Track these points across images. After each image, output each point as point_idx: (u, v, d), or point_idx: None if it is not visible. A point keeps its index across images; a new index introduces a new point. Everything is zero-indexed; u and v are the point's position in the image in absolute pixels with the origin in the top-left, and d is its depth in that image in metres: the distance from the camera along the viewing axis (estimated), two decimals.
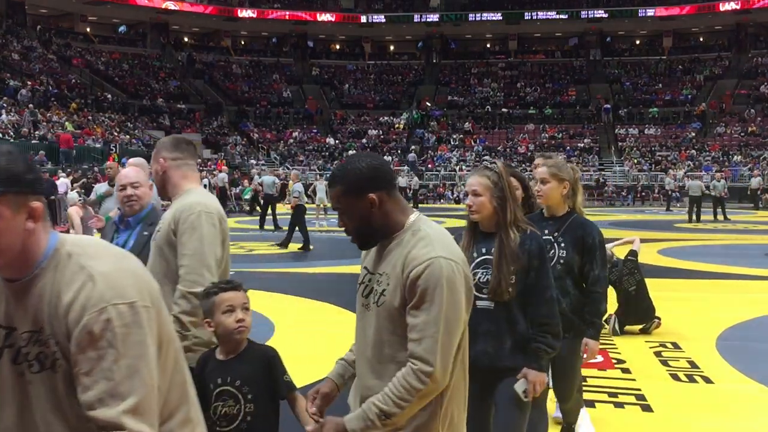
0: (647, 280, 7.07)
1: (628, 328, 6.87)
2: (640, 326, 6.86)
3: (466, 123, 43.41)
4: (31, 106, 29.97)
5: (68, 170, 21.92)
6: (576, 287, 3.49)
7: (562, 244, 3.48)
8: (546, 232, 3.44)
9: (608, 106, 43.47)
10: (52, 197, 18.64)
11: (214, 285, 2.55)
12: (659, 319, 6.91)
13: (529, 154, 39.81)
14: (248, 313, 2.52)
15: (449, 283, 1.95)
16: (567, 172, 3.54)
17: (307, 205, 15.34)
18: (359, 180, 2.04)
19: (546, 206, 3.58)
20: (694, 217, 21.92)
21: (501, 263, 2.74)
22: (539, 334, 2.77)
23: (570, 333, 3.37)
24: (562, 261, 3.47)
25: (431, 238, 2.02)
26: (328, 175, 27.02)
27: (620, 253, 7.34)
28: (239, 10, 48.79)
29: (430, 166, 39.39)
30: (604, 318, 5.63)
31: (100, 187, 8.54)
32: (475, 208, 2.82)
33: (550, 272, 2.84)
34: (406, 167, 38.64)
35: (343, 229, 2.13)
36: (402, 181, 31.19)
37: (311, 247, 13.93)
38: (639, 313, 6.87)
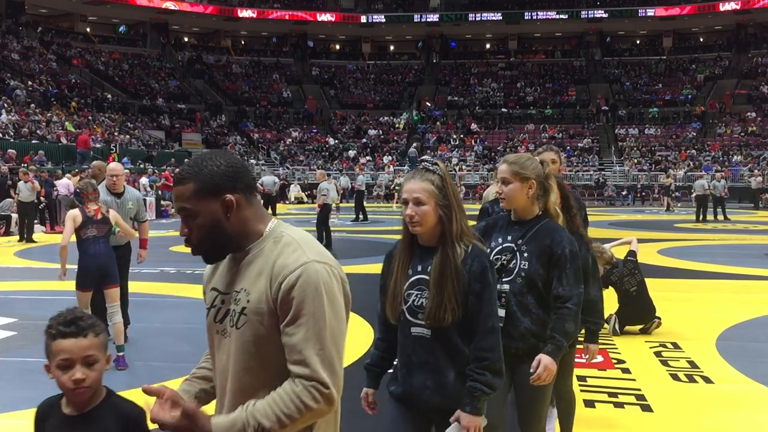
0: (647, 280, 7.07)
1: (628, 328, 6.87)
2: (641, 326, 6.86)
3: (474, 124, 43.39)
4: (33, 106, 29.98)
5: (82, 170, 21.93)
6: (540, 306, 2.94)
7: (525, 254, 2.95)
8: (509, 238, 3.00)
9: (605, 108, 43.50)
10: (54, 197, 18.66)
11: (53, 321, 1.86)
12: (659, 319, 6.92)
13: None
14: (94, 369, 1.84)
15: (328, 290, 1.71)
16: (532, 169, 3.01)
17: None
18: (215, 177, 1.75)
19: (512, 210, 3.07)
20: (701, 216, 22.14)
21: (443, 283, 2.34)
22: (476, 370, 2.35)
23: (531, 359, 2.90)
24: (523, 274, 2.93)
25: (298, 243, 1.76)
26: (335, 176, 26.67)
27: (619, 253, 7.35)
28: (239, 10, 48.80)
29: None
30: (605, 317, 5.62)
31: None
32: (418, 218, 2.40)
33: (494, 298, 2.41)
34: (406, 167, 38.68)
35: (187, 240, 1.81)
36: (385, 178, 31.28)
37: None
38: (639, 313, 6.88)
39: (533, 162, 3.06)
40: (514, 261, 2.94)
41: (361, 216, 21.30)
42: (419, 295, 2.42)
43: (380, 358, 2.67)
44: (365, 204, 22.34)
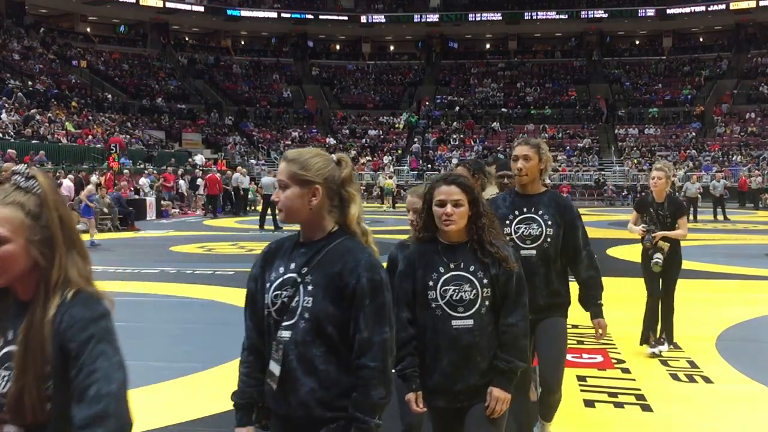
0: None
1: (627, 327, 6.86)
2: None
3: (494, 122, 43.35)
4: (35, 109, 29.98)
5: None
6: (329, 359, 2.09)
7: (310, 287, 2.13)
8: (292, 266, 2.15)
9: (604, 110, 43.53)
10: None
11: None
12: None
13: None
14: None
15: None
16: (317, 170, 2.15)
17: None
18: None
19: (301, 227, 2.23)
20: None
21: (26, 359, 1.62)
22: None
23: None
24: (307, 315, 2.08)
25: None
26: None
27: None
28: (240, 10, 48.85)
29: (429, 166, 39.42)
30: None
31: None
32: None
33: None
34: (406, 167, 38.69)
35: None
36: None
37: None
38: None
39: (320, 160, 2.12)
40: (296, 297, 2.09)
41: None
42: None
43: None
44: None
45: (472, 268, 2.66)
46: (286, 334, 2.08)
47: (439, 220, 2.68)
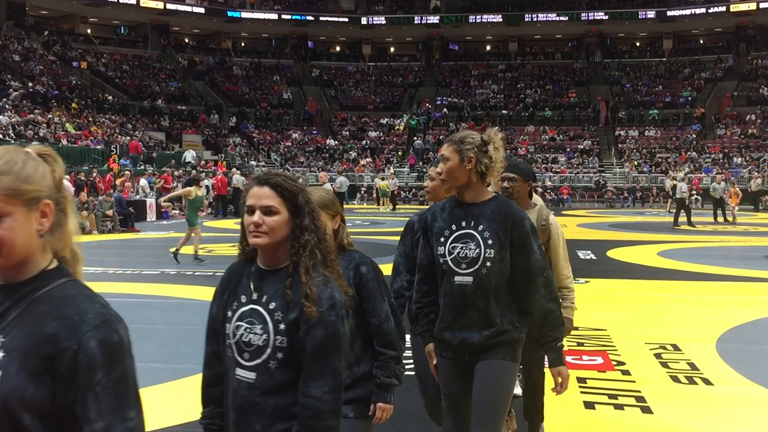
0: (646, 281, 7.08)
1: (627, 329, 6.87)
2: None
3: (495, 126, 43.39)
4: (36, 111, 29.99)
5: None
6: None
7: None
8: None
9: (603, 113, 43.53)
10: None
11: None
12: None
13: (529, 155, 39.87)
14: None
15: None
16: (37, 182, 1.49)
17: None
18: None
19: None
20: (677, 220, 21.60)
21: None
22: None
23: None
24: None
25: None
26: (333, 176, 26.94)
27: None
28: (240, 12, 48.89)
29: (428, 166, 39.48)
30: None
31: None
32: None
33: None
34: (406, 169, 38.69)
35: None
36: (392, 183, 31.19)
37: None
38: None
39: (34, 163, 1.39)
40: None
41: None
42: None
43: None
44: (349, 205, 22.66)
45: (273, 305, 1.94)
46: None
47: (248, 232, 1.99)
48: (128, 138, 32.23)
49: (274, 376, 1.92)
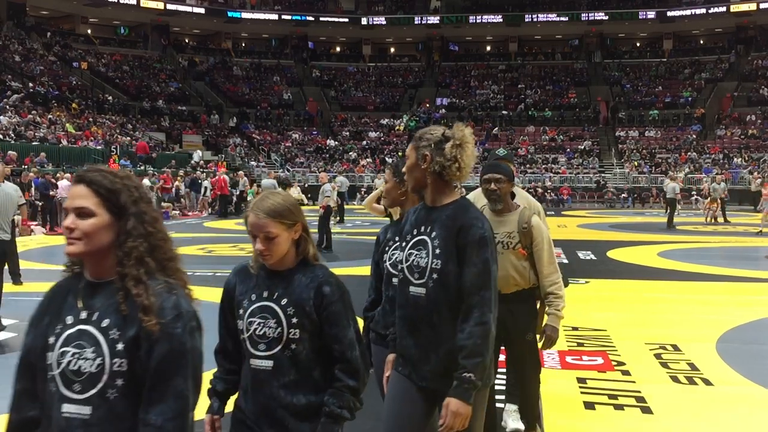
0: (646, 282, 7.08)
1: (627, 329, 6.87)
2: None
3: (495, 128, 43.38)
4: (35, 110, 29.98)
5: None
6: None
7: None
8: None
9: (603, 114, 43.54)
10: (53, 197, 18.67)
11: None
12: None
13: (530, 156, 39.89)
14: None
15: None
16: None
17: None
18: None
19: None
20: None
21: None
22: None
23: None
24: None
25: None
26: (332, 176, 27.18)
27: None
28: (240, 12, 48.90)
29: None
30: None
31: None
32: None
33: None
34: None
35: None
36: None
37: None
38: None
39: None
40: None
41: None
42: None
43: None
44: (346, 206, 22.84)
45: (106, 322, 1.64)
46: None
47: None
48: (128, 138, 32.26)
49: (114, 408, 1.60)
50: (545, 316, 3.83)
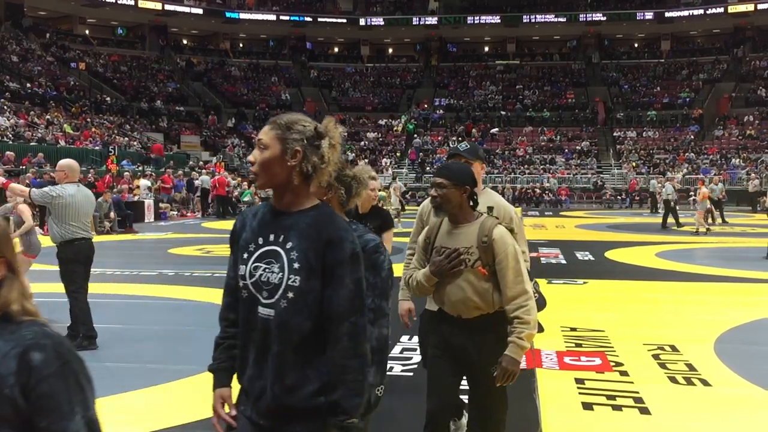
0: (644, 282, 7.08)
1: (625, 330, 6.87)
2: None
3: (494, 129, 43.43)
4: (36, 110, 29.96)
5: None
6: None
7: None
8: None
9: (601, 115, 43.60)
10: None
11: None
12: None
13: (528, 156, 39.91)
14: None
15: None
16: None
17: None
18: None
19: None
20: (667, 222, 21.36)
21: None
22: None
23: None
24: None
25: None
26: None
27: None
28: (238, 13, 48.89)
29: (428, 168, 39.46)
30: None
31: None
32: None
33: None
34: (404, 170, 38.69)
35: None
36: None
37: None
38: None
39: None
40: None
41: None
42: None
43: None
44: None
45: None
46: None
47: None
48: (126, 139, 32.24)
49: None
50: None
